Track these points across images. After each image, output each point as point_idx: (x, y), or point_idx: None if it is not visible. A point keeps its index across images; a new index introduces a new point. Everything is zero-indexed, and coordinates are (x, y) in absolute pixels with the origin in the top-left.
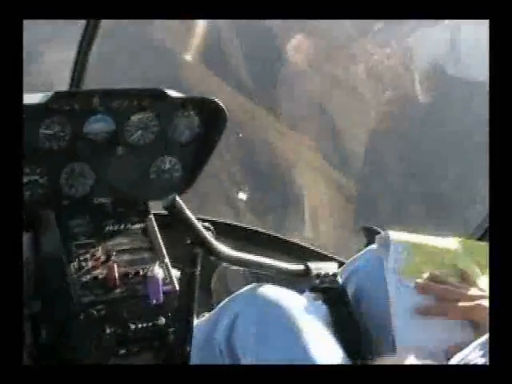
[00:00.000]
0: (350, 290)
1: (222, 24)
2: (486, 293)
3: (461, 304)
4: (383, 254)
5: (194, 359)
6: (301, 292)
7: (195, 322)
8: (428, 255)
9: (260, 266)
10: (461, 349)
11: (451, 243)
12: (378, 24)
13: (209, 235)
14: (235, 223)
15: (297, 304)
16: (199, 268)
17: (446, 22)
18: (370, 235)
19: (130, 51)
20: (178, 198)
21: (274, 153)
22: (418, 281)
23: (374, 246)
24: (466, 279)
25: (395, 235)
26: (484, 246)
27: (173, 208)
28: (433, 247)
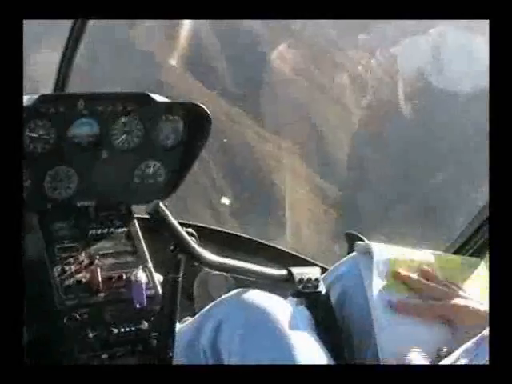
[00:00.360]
0: (333, 296)
1: (206, 28)
2: (470, 297)
3: (441, 303)
4: (363, 265)
5: (178, 363)
6: (284, 297)
7: (178, 326)
8: (407, 269)
9: (243, 271)
10: (444, 353)
11: (427, 257)
12: (363, 34)
13: (192, 241)
14: (218, 228)
15: (281, 308)
16: (182, 273)
17: (430, 31)
18: (353, 241)
19: (113, 54)
20: (161, 205)
21: (255, 157)
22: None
23: (356, 253)
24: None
25: (377, 250)
26: (457, 260)
27: (156, 214)
28: (411, 261)
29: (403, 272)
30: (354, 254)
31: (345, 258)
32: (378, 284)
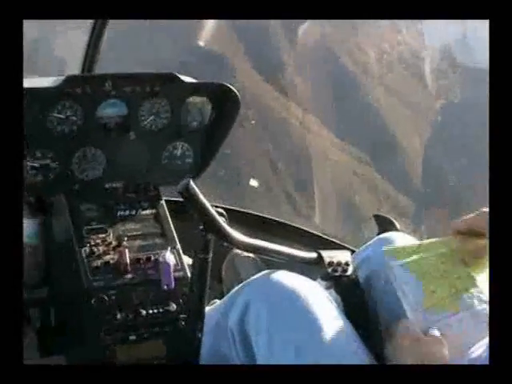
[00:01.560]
0: (361, 278)
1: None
2: None
3: None
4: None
5: (208, 343)
6: (313, 279)
7: (206, 308)
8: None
9: (273, 252)
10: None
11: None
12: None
13: (222, 221)
14: (247, 211)
15: (310, 289)
16: (211, 254)
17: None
18: (382, 224)
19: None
20: (192, 183)
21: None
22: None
23: (385, 236)
24: None
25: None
26: None
27: (187, 192)
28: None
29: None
30: (382, 235)
31: (372, 240)
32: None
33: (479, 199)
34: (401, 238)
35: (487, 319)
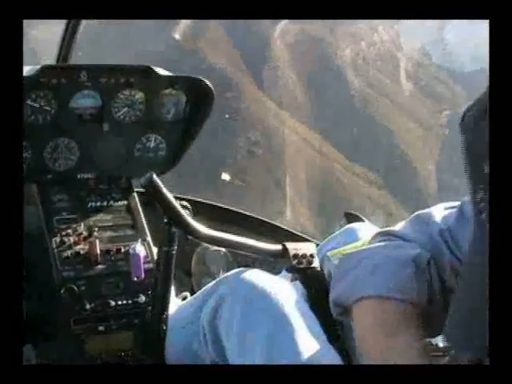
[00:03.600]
0: (326, 270)
1: None
2: None
3: None
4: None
5: (179, 339)
6: (278, 272)
7: (176, 301)
8: None
9: (237, 245)
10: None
11: None
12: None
13: (186, 214)
14: (213, 203)
15: (279, 287)
16: (175, 247)
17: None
18: (353, 221)
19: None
20: (155, 177)
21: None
22: None
23: (350, 226)
24: None
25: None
26: None
27: (150, 187)
28: None
29: None
30: (346, 227)
31: (340, 230)
32: None
33: None
34: (365, 228)
35: None
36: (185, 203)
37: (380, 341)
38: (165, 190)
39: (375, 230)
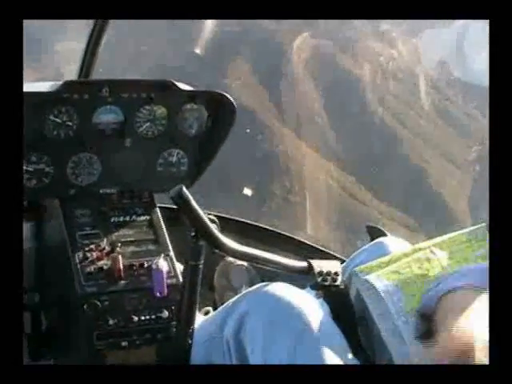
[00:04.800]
0: (354, 286)
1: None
2: None
3: None
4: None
5: (201, 354)
6: (302, 287)
7: (199, 316)
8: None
9: (264, 261)
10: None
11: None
12: (384, 25)
13: (214, 228)
14: (240, 219)
15: (304, 302)
16: (202, 261)
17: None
18: (374, 234)
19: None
20: (184, 190)
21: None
22: None
23: (378, 240)
24: None
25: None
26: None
27: (179, 199)
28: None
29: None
30: (372, 243)
31: (365, 246)
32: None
33: None
34: (394, 242)
35: None
36: (212, 217)
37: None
38: (194, 203)
39: (404, 244)
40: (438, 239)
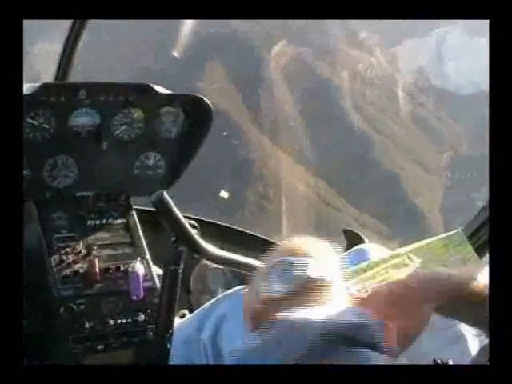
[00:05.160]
0: None
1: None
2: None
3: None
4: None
5: (177, 357)
6: None
7: (175, 319)
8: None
9: (244, 265)
10: None
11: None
12: (363, 33)
13: (194, 233)
14: (218, 222)
15: None
16: (182, 266)
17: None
18: (351, 238)
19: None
20: (165, 195)
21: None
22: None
23: (360, 247)
24: None
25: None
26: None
27: (160, 204)
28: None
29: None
30: (354, 248)
31: (345, 253)
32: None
33: None
34: (374, 249)
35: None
36: (193, 222)
37: None
38: (174, 208)
39: (384, 251)
40: (415, 245)
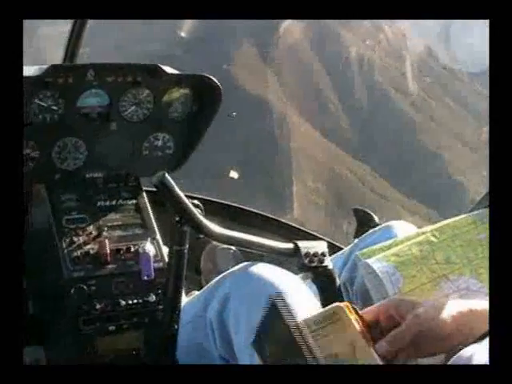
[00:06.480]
0: (358, 273)
1: None
2: None
3: None
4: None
5: (185, 334)
6: (290, 270)
7: (185, 299)
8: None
9: (249, 244)
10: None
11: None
12: None
13: (197, 213)
14: (224, 202)
15: (287, 282)
16: (187, 246)
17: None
18: (361, 217)
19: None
20: (167, 175)
21: None
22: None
23: (388, 224)
24: None
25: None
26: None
27: (162, 185)
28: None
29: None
30: (382, 225)
31: (373, 230)
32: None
33: None
34: (402, 226)
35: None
36: (196, 202)
37: None
38: (176, 189)
39: (412, 228)
40: (443, 223)
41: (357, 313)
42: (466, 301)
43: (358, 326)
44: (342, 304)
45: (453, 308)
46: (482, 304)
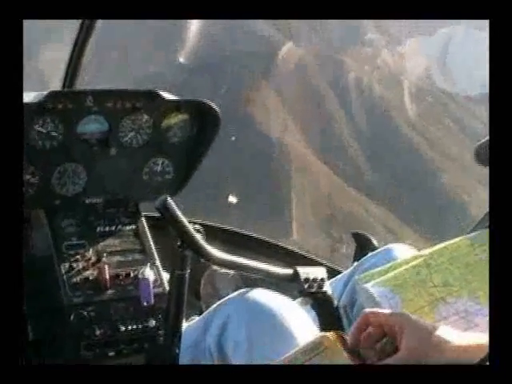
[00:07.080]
0: (358, 298)
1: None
2: None
3: None
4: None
5: (185, 359)
6: (290, 296)
7: (184, 324)
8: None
9: (249, 269)
10: None
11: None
12: (369, 34)
13: (199, 237)
14: (225, 227)
15: (286, 308)
16: (188, 270)
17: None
18: (360, 241)
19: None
20: (169, 200)
21: None
22: None
23: (388, 246)
24: None
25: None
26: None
27: (164, 209)
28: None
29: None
30: (382, 248)
31: (373, 252)
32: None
33: None
34: (401, 249)
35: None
36: (197, 227)
37: None
38: (179, 213)
39: (412, 251)
40: (441, 245)
41: (344, 341)
42: (465, 333)
43: (345, 354)
44: (328, 334)
45: (451, 337)
46: (482, 336)
